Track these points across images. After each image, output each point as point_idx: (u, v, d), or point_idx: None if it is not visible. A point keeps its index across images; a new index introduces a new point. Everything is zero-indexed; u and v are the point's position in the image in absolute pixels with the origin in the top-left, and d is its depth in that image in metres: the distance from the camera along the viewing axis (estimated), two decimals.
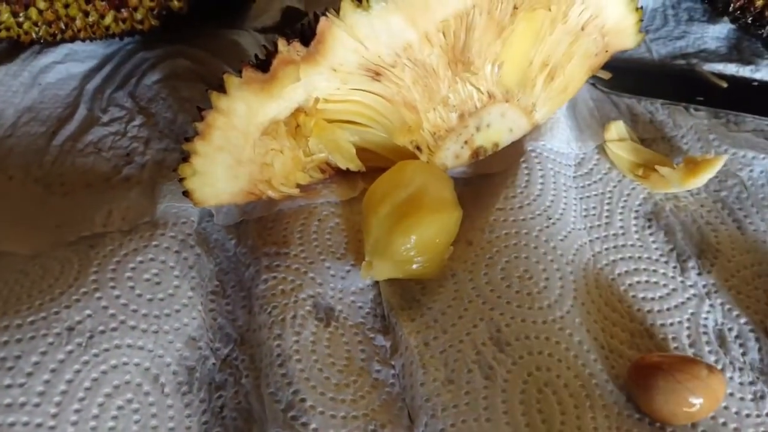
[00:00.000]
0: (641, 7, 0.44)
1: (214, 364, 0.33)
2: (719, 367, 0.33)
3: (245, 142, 0.35)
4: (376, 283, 0.37)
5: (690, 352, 0.34)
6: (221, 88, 0.34)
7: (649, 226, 0.40)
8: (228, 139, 0.35)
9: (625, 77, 0.48)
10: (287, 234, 0.38)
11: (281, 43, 0.34)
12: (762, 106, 0.46)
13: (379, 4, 0.34)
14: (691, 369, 0.30)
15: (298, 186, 0.39)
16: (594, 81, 0.48)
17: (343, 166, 0.38)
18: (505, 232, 0.38)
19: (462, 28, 0.37)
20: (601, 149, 0.44)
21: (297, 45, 0.34)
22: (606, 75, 0.47)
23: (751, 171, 0.42)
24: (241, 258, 0.38)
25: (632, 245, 0.39)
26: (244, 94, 0.34)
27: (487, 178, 0.43)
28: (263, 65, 0.34)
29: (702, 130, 0.45)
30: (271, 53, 0.35)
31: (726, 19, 0.51)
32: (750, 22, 0.47)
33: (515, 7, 0.38)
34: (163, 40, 0.48)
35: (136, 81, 0.46)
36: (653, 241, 0.39)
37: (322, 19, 0.34)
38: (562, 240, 0.38)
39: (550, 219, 0.39)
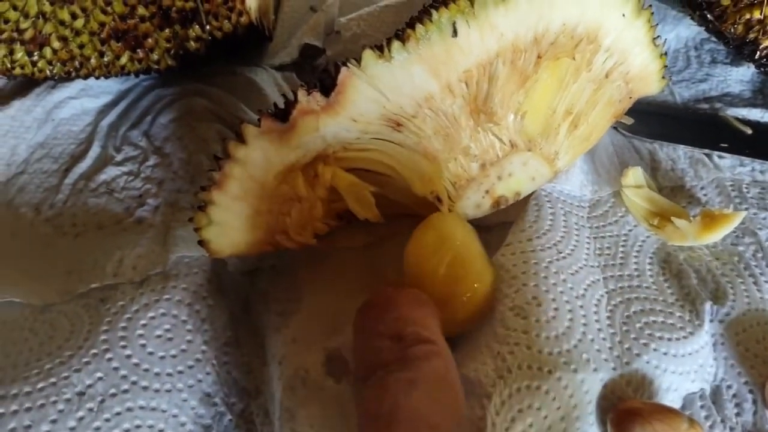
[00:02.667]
0: (665, 53, 0.45)
1: (230, 420, 0.35)
2: (708, 424, 0.35)
3: (262, 192, 0.37)
4: None
5: (680, 403, 0.36)
6: (239, 137, 0.36)
7: (663, 272, 0.42)
8: (245, 189, 0.37)
9: (648, 121, 0.50)
10: (300, 281, 0.40)
11: (301, 93, 0.36)
12: None
13: (401, 55, 0.36)
14: (670, 420, 0.32)
15: (321, 234, 0.40)
16: (616, 125, 0.50)
17: (361, 216, 0.40)
18: (514, 264, 0.39)
19: (485, 78, 0.39)
20: (617, 195, 0.46)
21: (317, 95, 0.36)
22: (628, 120, 0.49)
23: None
24: (255, 306, 0.40)
25: (647, 287, 0.41)
26: (262, 143, 0.36)
27: (508, 225, 0.44)
28: (282, 114, 0.36)
29: (723, 185, 0.46)
30: (291, 103, 0.36)
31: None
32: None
33: (539, 56, 0.40)
34: (179, 78, 0.49)
35: (151, 119, 0.48)
36: (668, 286, 0.41)
37: (343, 69, 0.36)
38: (573, 274, 0.40)
39: (560, 252, 0.41)
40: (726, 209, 0.43)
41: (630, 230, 0.44)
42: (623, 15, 0.42)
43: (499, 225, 0.44)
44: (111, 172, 0.45)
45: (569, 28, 0.40)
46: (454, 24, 0.37)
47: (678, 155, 0.48)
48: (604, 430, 0.34)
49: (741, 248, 0.43)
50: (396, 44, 0.36)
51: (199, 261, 0.39)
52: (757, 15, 0.43)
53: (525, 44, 0.39)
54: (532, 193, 0.44)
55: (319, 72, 0.45)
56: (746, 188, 0.46)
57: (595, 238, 0.43)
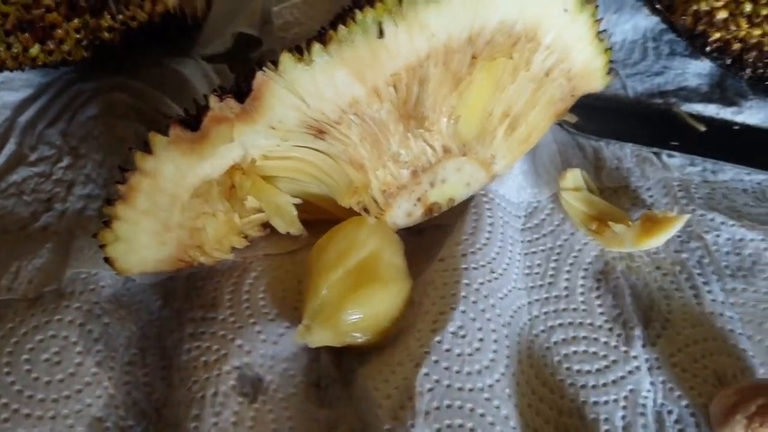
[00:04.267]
0: (610, 48, 0.44)
1: None
2: None
3: (173, 205, 0.35)
4: (310, 348, 0.37)
5: None
6: (146, 148, 0.34)
7: (597, 288, 0.41)
8: (154, 203, 0.35)
9: (595, 117, 0.48)
10: (217, 295, 0.38)
11: (213, 99, 0.34)
12: (742, 152, 0.47)
13: (322, 58, 0.34)
14: None
15: (240, 247, 0.39)
16: (560, 122, 0.48)
17: (283, 230, 0.38)
18: (444, 283, 0.38)
19: (415, 81, 0.37)
20: (557, 198, 0.44)
21: (231, 101, 0.34)
22: (572, 118, 0.47)
23: (717, 236, 0.42)
24: (165, 323, 0.38)
25: (575, 309, 0.40)
26: (172, 154, 0.34)
27: (441, 228, 0.43)
28: (193, 123, 0.34)
29: (670, 185, 0.45)
30: (202, 109, 0.34)
31: None
32: (729, 63, 0.47)
33: (474, 57, 0.38)
34: (101, 70, 0.47)
35: (70, 116, 0.46)
36: (599, 305, 0.40)
37: (259, 73, 0.34)
38: (502, 298, 0.39)
39: (493, 273, 0.39)
40: (670, 211, 0.42)
41: (566, 239, 0.42)
42: (565, 10, 0.40)
43: (433, 228, 0.43)
44: (23, 172, 0.43)
45: (507, 26, 0.38)
46: (380, 24, 0.34)
47: (624, 153, 0.47)
48: None
49: (685, 255, 0.42)
50: (316, 47, 0.34)
51: (97, 277, 0.38)
52: (704, 6, 0.41)
53: (459, 44, 0.37)
54: (472, 197, 0.43)
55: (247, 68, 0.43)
56: (695, 188, 0.45)
57: (526, 254, 0.42)
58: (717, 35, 0.40)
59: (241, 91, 0.35)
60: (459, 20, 0.36)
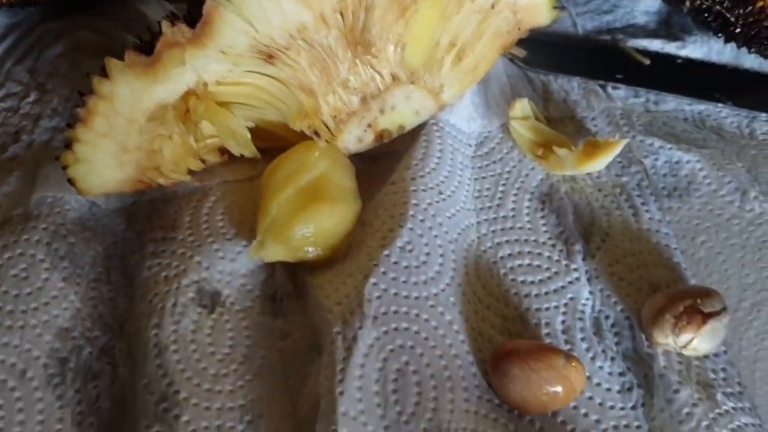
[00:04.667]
0: None
1: (90, 353, 0.36)
2: (590, 355, 0.37)
3: (130, 128, 0.37)
4: (268, 264, 0.39)
5: (562, 338, 0.37)
6: (103, 72, 0.36)
7: (542, 209, 0.43)
8: (112, 126, 0.36)
9: (545, 52, 0.50)
10: (177, 217, 0.40)
11: (165, 25, 0.36)
12: (684, 84, 0.49)
13: None
14: (546, 358, 0.33)
15: (197, 170, 0.41)
16: (510, 57, 0.50)
17: (236, 152, 0.40)
18: (394, 204, 0.40)
19: (361, 8, 0.38)
20: (506, 128, 0.46)
21: (182, 27, 0.36)
22: (520, 52, 0.49)
23: (655, 159, 0.44)
24: (128, 243, 0.40)
25: (521, 227, 0.42)
26: (127, 78, 0.36)
27: (393, 155, 0.45)
28: (147, 48, 0.36)
29: (613, 114, 0.47)
30: (155, 35, 0.36)
31: None
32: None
33: None
34: (68, 9, 0.48)
35: (37, 54, 0.47)
36: (543, 224, 0.42)
37: (208, 1, 0.35)
38: (449, 217, 0.41)
39: (441, 194, 0.41)
40: (611, 137, 0.44)
41: (514, 166, 0.44)
42: None
43: (386, 155, 0.44)
44: None
45: None
46: None
47: (572, 86, 0.49)
48: (485, 373, 0.35)
49: (625, 178, 0.44)
50: None
51: (62, 200, 0.39)
52: None
53: None
54: (424, 125, 0.45)
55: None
56: (636, 117, 0.47)
57: (476, 179, 0.44)
58: None
59: (193, 17, 0.36)
60: None
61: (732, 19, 0.43)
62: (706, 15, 0.45)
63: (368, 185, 0.43)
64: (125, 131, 0.37)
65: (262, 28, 0.37)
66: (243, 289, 0.38)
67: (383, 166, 0.44)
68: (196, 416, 0.34)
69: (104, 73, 0.36)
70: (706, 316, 0.36)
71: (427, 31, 0.41)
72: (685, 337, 0.35)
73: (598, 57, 0.51)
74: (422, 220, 0.39)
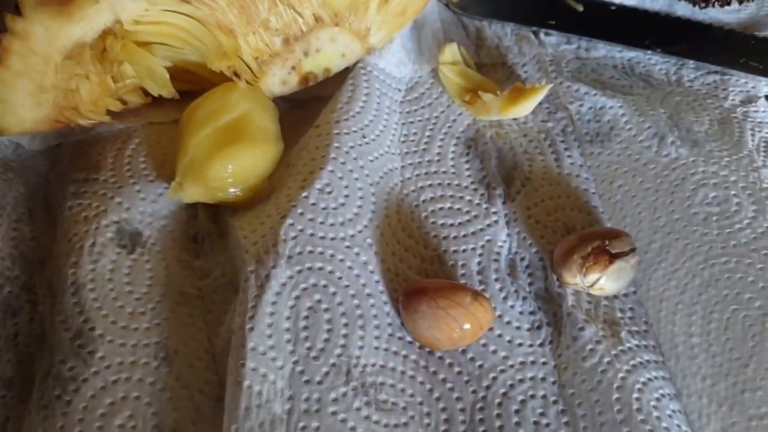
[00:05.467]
0: None
1: (10, 292, 0.36)
2: (503, 295, 0.37)
3: (46, 66, 0.36)
4: (190, 205, 0.40)
5: (477, 279, 0.38)
6: (17, 10, 0.35)
7: (467, 153, 0.43)
8: (27, 65, 0.36)
9: None
10: (100, 159, 0.40)
11: None
12: (616, 31, 0.49)
13: None
14: (454, 295, 0.34)
15: (116, 110, 0.40)
16: (446, 1, 0.49)
17: (155, 92, 0.39)
18: (317, 146, 0.40)
19: None
20: (437, 73, 0.46)
21: None
22: None
23: (580, 105, 0.45)
24: (52, 184, 0.40)
25: (444, 172, 0.42)
26: (41, 16, 0.35)
27: (322, 100, 0.45)
28: None
29: (543, 60, 0.47)
30: None
31: None
32: None
33: None
34: None
35: None
36: (467, 168, 0.42)
37: None
38: (372, 161, 0.41)
39: (364, 138, 0.41)
40: (538, 83, 0.44)
41: (442, 111, 0.44)
42: None
43: (315, 99, 0.44)
44: None
45: None
46: None
47: (505, 32, 0.49)
48: (399, 312, 0.36)
49: (551, 124, 0.44)
50: None
51: None
52: None
53: None
54: (352, 68, 0.44)
55: None
56: (566, 64, 0.47)
57: (404, 123, 0.44)
58: None
59: None
60: None
61: None
62: None
63: (296, 129, 0.43)
64: (41, 70, 0.36)
65: None
66: (164, 230, 0.39)
67: (312, 110, 0.44)
68: (111, 352, 0.34)
69: (17, 11, 0.35)
70: (613, 257, 0.36)
71: None
72: (592, 277, 0.36)
73: (533, 2, 0.50)
74: (343, 163, 0.39)
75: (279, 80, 0.41)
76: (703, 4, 0.44)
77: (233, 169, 0.38)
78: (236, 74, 0.40)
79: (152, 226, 0.38)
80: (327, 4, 0.40)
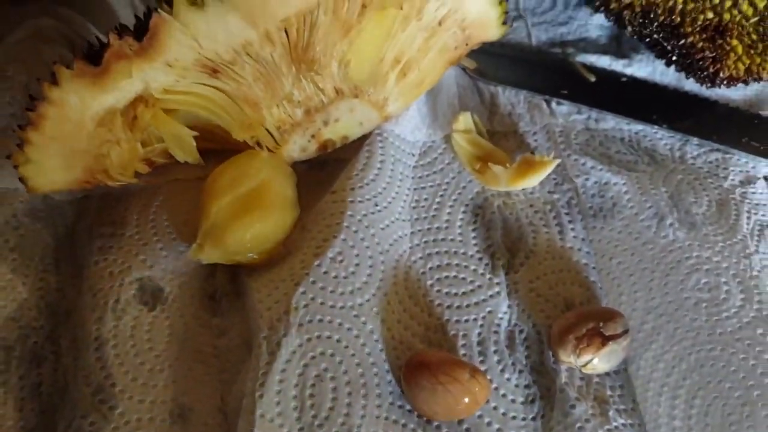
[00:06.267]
0: (506, 0, 0.46)
1: (35, 342, 0.38)
2: (500, 368, 0.39)
3: (79, 132, 0.38)
4: (210, 264, 0.41)
5: (476, 350, 0.39)
6: (54, 79, 0.37)
7: (474, 221, 0.44)
8: (61, 130, 0.38)
9: (497, 63, 0.51)
10: (126, 214, 0.42)
11: (113, 37, 0.36)
12: (625, 104, 0.50)
13: (215, 3, 0.36)
14: (453, 371, 0.36)
15: (148, 165, 0.42)
16: (462, 67, 0.51)
17: (181, 159, 0.41)
18: (332, 213, 0.42)
19: (305, 27, 0.39)
20: (450, 139, 0.47)
21: (129, 39, 0.37)
22: (471, 64, 0.50)
23: (586, 179, 0.46)
24: (78, 236, 0.42)
25: (452, 239, 0.44)
26: (76, 86, 0.37)
27: (340, 162, 0.46)
28: (95, 58, 0.37)
29: (553, 131, 0.48)
30: (103, 46, 0.37)
31: None
32: (613, 20, 0.49)
33: (363, 6, 0.40)
34: None
35: None
36: (474, 237, 0.44)
37: (155, 14, 0.36)
38: (383, 228, 0.42)
39: (377, 206, 0.43)
40: (546, 155, 0.45)
41: (453, 177, 0.46)
42: None
43: (333, 161, 0.46)
44: None
45: None
46: None
47: (519, 99, 0.50)
48: (400, 381, 0.38)
49: (557, 195, 0.46)
50: None
51: (16, 192, 0.41)
52: None
53: None
54: (369, 134, 0.46)
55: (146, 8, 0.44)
56: (575, 135, 0.48)
57: (415, 189, 0.45)
58: None
59: (141, 30, 0.37)
60: None
61: (669, 48, 0.44)
62: (647, 40, 0.46)
63: (314, 191, 0.44)
64: (74, 136, 0.38)
65: (206, 44, 0.37)
66: (184, 287, 0.40)
67: (330, 172, 0.46)
68: (129, 409, 0.36)
69: (54, 79, 0.37)
70: (606, 339, 0.38)
71: (372, 48, 0.42)
72: (585, 358, 0.38)
73: (548, 70, 0.52)
74: (355, 231, 0.41)
75: (299, 147, 0.43)
76: (709, 84, 0.45)
77: (251, 236, 0.39)
78: (258, 144, 0.41)
79: (173, 282, 0.40)
80: (348, 79, 0.42)
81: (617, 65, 0.52)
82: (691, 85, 0.51)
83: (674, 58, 0.45)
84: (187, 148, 0.40)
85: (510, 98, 0.50)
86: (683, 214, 0.44)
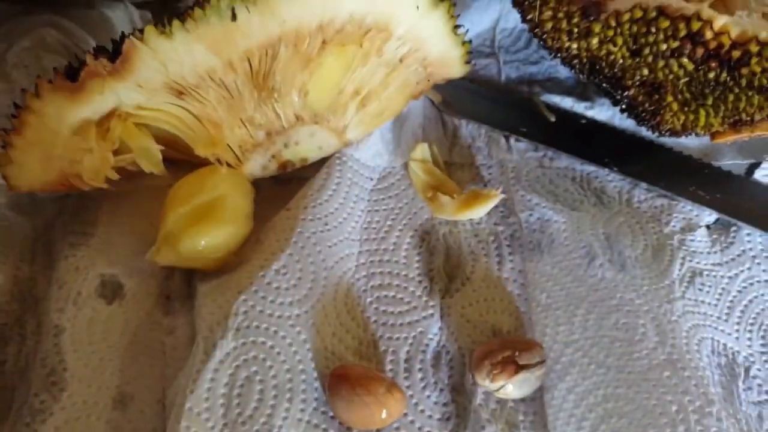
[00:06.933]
0: (469, 41, 0.49)
1: (5, 324, 0.42)
2: (422, 384, 0.41)
3: (56, 140, 0.42)
4: (170, 267, 0.45)
5: (403, 366, 0.42)
6: (36, 90, 0.41)
7: (420, 246, 0.47)
8: (40, 137, 0.42)
9: (462, 96, 0.54)
10: (98, 215, 0.46)
11: (89, 58, 0.40)
12: (581, 144, 0.52)
13: (181, 33, 0.40)
14: (370, 385, 0.39)
15: (119, 172, 0.46)
16: (431, 98, 0.53)
17: (147, 170, 0.44)
18: (283, 229, 0.45)
19: (267, 58, 0.43)
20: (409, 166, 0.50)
21: (104, 60, 0.40)
22: (436, 98, 0.52)
23: (530, 215, 0.48)
24: (56, 230, 0.46)
25: (396, 261, 0.46)
26: (55, 98, 0.41)
27: (302, 180, 0.49)
28: (73, 74, 0.41)
29: (506, 167, 0.50)
30: (81, 64, 0.41)
31: None
32: (566, 65, 0.51)
33: (324, 42, 0.43)
34: (39, 7, 0.53)
35: (7, 46, 0.52)
36: (417, 261, 0.46)
37: (127, 40, 0.40)
38: (330, 246, 0.45)
39: (327, 225, 0.46)
40: (495, 189, 0.48)
41: (407, 203, 0.49)
42: (417, 7, 0.45)
43: (296, 179, 0.49)
44: None
45: (357, 18, 0.43)
46: (233, 9, 0.40)
47: (479, 133, 0.52)
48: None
49: (501, 228, 0.48)
50: (176, 23, 0.40)
51: (2, 186, 0.44)
52: (532, 16, 0.45)
53: (309, 30, 0.42)
54: (330, 156, 0.49)
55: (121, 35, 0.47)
56: (527, 172, 0.50)
57: (369, 211, 0.48)
58: (550, 42, 0.45)
59: (115, 52, 0.41)
60: (310, 10, 0.41)
61: (617, 97, 0.46)
62: (601, 87, 0.48)
63: (275, 205, 0.47)
64: (51, 142, 0.42)
65: (173, 69, 0.41)
66: (143, 285, 0.44)
67: (292, 188, 0.49)
68: (77, 392, 0.40)
69: (36, 91, 0.41)
70: (519, 368, 0.40)
71: (331, 80, 0.45)
72: (498, 383, 0.40)
73: (511, 108, 0.54)
74: (302, 247, 0.44)
75: (260, 165, 0.46)
76: (656, 133, 0.47)
77: (204, 243, 0.43)
78: (219, 161, 0.45)
79: (133, 280, 0.44)
80: (308, 107, 0.45)
81: (579, 107, 0.54)
82: (648, 131, 0.53)
83: (623, 106, 0.47)
84: (153, 161, 0.44)
85: (471, 132, 0.53)
86: (616, 255, 0.46)
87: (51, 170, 0.43)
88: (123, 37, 0.41)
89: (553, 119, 0.53)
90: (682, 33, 0.38)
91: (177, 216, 0.43)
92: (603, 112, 0.54)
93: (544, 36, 0.45)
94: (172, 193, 0.44)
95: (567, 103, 0.54)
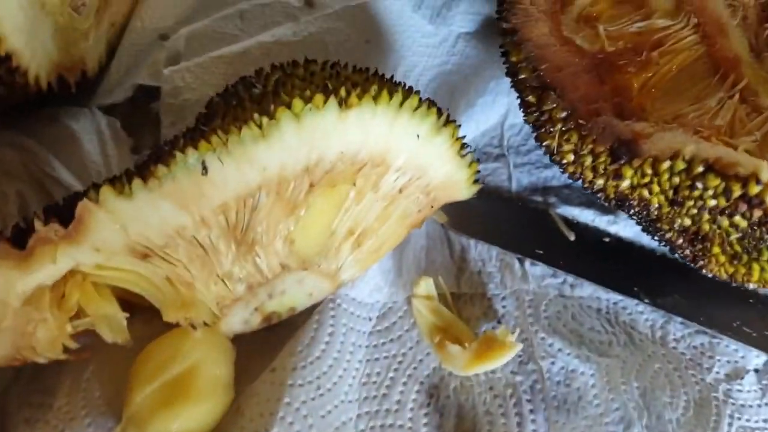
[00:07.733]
0: (477, 160, 0.42)
1: None
2: None
3: (4, 311, 0.36)
4: None
5: None
6: None
7: (428, 404, 0.41)
8: None
9: (471, 213, 0.47)
10: (58, 381, 0.40)
11: (38, 224, 0.34)
12: (606, 269, 0.45)
13: (142, 192, 0.34)
14: None
15: (83, 333, 0.40)
16: (436, 218, 0.47)
17: (110, 340, 0.38)
18: (268, 399, 0.39)
19: (245, 210, 0.36)
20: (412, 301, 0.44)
21: (55, 225, 0.34)
22: (442, 219, 0.46)
23: (552, 363, 0.42)
24: (10, 401, 0.39)
25: (401, 426, 0.40)
26: (0, 267, 0.35)
27: (290, 325, 0.43)
28: (20, 240, 0.35)
29: (523, 298, 0.44)
30: (28, 230, 0.35)
31: None
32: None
33: (311, 185, 0.37)
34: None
35: None
36: (425, 423, 0.40)
37: (80, 203, 0.34)
38: (323, 416, 0.39)
39: (319, 390, 0.40)
40: (510, 335, 0.41)
41: (411, 348, 0.42)
42: (417, 136, 0.39)
43: (283, 325, 0.42)
44: None
45: (349, 155, 0.37)
46: (203, 162, 0.34)
47: (491, 256, 0.46)
48: None
49: (519, 378, 0.41)
50: (137, 182, 0.34)
51: None
52: (553, 144, 0.39)
53: (294, 174, 0.36)
54: (320, 302, 0.42)
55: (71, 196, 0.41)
56: (546, 305, 0.44)
57: (368, 360, 0.42)
58: (571, 171, 0.39)
59: (67, 214, 0.35)
60: (293, 153, 0.35)
61: (650, 230, 0.40)
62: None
63: (259, 357, 0.41)
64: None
65: (136, 230, 0.35)
66: None
67: (279, 335, 0.42)
68: None
69: None
70: None
71: (321, 224, 0.39)
72: None
73: (524, 224, 0.47)
74: (291, 423, 0.38)
75: (241, 320, 0.40)
76: (692, 264, 0.40)
77: (177, 427, 0.36)
78: (192, 325, 0.38)
79: None
80: (295, 255, 0.39)
81: (601, 221, 0.47)
82: None
83: (656, 238, 0.41)
84: (116, 329, 0.38)
85: (481, 254, 0.46)
86: (654, 420, 0.39)
87: (0, 344, 0.37)
88: (76, 196, 0.34)
89: (572, 237, 0.47)
90: (736, 194, 0.31)
91: (144, 397, 0.37)
92: (629, 227, 0.47)
93: (564, 164, 0.39)
94: (137, 366, 0.38)
95: (587, 216, 0.47)
